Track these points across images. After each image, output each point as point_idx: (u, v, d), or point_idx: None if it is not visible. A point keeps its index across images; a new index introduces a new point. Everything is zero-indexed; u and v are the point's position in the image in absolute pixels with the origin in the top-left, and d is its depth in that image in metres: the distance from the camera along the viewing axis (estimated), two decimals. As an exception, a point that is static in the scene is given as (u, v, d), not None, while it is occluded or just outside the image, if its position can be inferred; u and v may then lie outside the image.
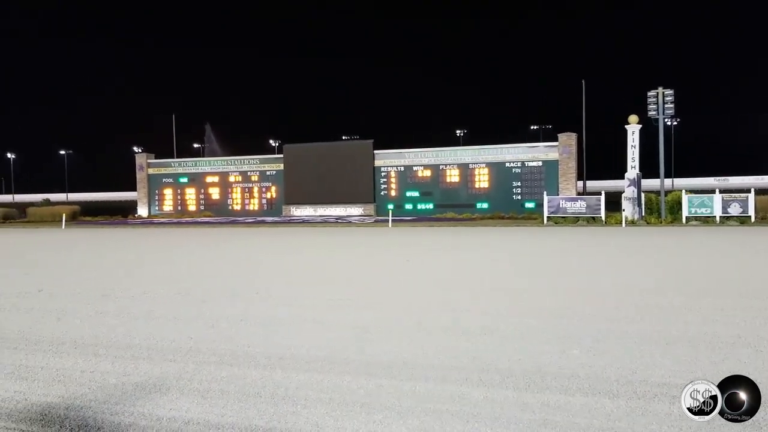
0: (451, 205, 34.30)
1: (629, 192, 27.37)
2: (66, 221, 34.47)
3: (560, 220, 27.98)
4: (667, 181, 38.06)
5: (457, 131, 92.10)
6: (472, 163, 34.49)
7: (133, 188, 43.05)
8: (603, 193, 28.14)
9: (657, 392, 4.60)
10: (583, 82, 42.67)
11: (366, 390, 4.80)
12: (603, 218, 27.41)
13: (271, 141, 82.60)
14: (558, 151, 32.59)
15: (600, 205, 27.68)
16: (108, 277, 11.65)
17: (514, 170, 33.49)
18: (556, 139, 33.08)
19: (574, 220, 27.76)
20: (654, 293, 8.87)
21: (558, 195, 30.54)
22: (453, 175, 34.83)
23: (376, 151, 36.44)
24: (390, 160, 36.17)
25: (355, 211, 36.82)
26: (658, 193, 28.07)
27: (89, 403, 4.61)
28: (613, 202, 28.86)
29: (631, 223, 26.32)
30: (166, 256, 16.94)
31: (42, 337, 6.74)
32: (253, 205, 39.51)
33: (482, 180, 34.25)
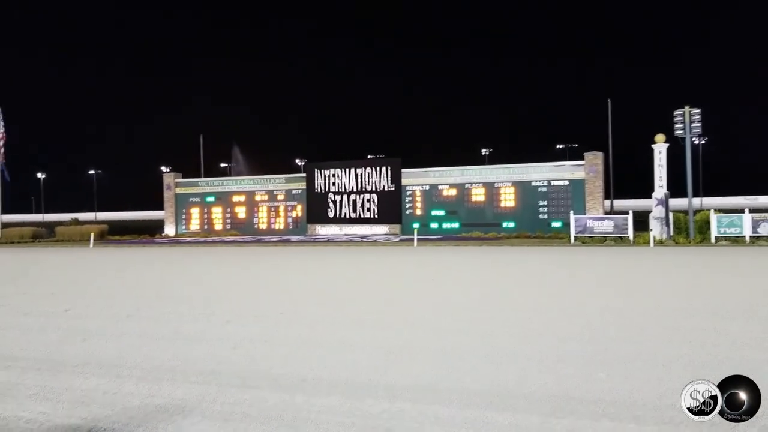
0: (477, 224, 34.15)
1: (657, 211, 27.03)
2: (94, 240, 34.97)
3: (587, 239, 27.70)
4: (696, 201, 37.54)
5: (483, 150, 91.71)
6: (497, 181, 34.36)
7: (161, 207, 43.61)
8: (630, 212, 27.84)
9: (684, 418, 4.46)
10: (609, 101, 42.48)
11: (389, 414, 4.75)
12: (631, 238, 27.07)
13: (297, 160, 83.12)
14: (584, 170, 32.34)
15: (627, 224, 27.37)
16: (134, 297, 11.75)
17: (540, 189, 33.28)
18: (582, 159, 32.86)
19: (602, 239, 27.46)
20: (682, 315, 8.70)
21: (585, 214, 30.25)
22: (478, 194, 34.71)
23: (402, 170, 36.49)
24: (415, 179, 36.19)
25: (380, 229, 36.83)
26: (686, 212, 27.67)
27: (112, 425, 4.63)
28: (641, 221, 28.52)
29: (660, 242, 25.95)
30: (192, 275, 17.07)
31: (67, 358, 6.80)
32: (279, 223, 39.75)
33: (508, 199, 34.08)
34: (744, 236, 25.56)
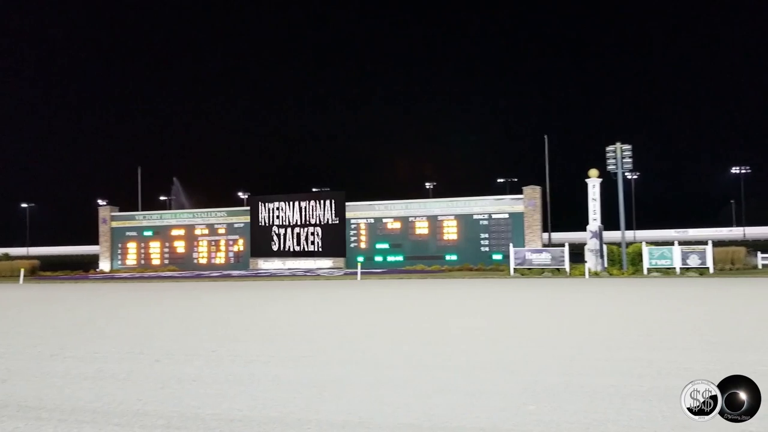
0: (421, 257, 34.37)
1: (592, 244, 27.76)
2: (24, 276, 33.68)
3: (526, 271, 28.19)
4: (629, 233, 38.76)
5: (426, 184, 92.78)
6: (440, 215, 34.77)
7: (96, 242, 42.34)
8: (567, 245, 28.55)
9: (609, 450, 4.55)
10: (545, 137, 43.82)
11: (316, 452, 4.67)
12: (567, 270, 27.68)
13: (239, 193, 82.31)
14: (523, 204, 33.04)
15: (564, 256, 28.01)
16: (60, 336, 11.31)
17: (481, 222, 33.81)
18: (521, 192, 33.58)
19: (540, 271, 27.98)
20: (610, 346, 8.89)
21: (524, 247, 30.82)
22: (422, 227, 35.01)
23: (346, 203, 36.54)
24: (360, 212, 36.27)
25: (324, 263, 36.62)
26: (620, 244, 28.50)
27: (23, 472, 4.40)
28: (578, 253, 29.24)
29: (595, 274, 26.60)
30: (123, 312, 16.56)
31: (-18, 401, 6.47)
32: (220, 258, 39.10)
33: (450, 232, 34.48)
34: (674, 268, 26.44)
